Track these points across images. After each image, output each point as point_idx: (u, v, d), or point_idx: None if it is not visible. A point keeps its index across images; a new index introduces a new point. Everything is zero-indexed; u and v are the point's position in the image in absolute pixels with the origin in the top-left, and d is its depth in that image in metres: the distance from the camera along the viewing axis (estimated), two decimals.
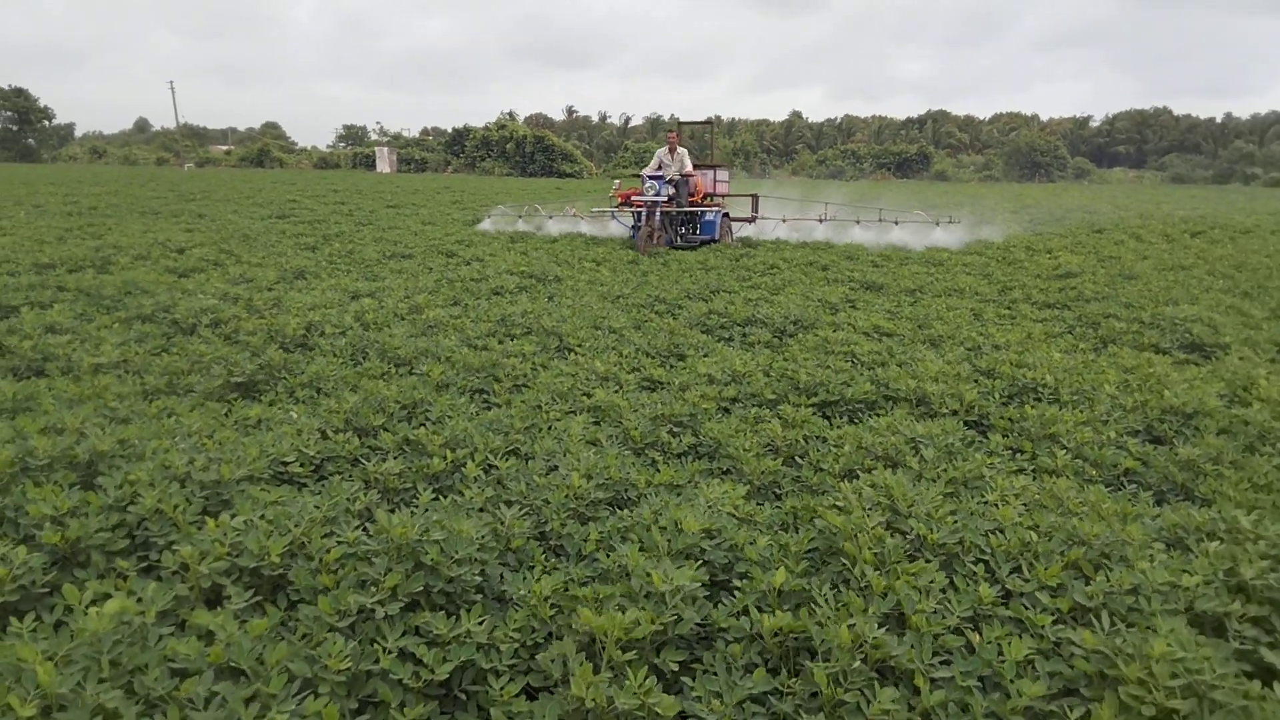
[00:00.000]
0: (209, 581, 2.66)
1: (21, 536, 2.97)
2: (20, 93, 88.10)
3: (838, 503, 3.37)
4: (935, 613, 2.57)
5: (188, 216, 19.50)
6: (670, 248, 15.03)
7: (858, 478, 3.72)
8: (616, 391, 5.23)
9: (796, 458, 4.31)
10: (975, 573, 2.84)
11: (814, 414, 4.85)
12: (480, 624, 2.45)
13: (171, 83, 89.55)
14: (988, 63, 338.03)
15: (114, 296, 8.11)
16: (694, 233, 16.29)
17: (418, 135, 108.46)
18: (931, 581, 2.68)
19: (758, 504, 3.50)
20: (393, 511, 2.95)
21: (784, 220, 17.78)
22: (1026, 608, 2.66)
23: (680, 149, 15.99)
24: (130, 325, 6.87)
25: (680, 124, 20.00)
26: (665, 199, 15.07)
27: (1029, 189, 60.37)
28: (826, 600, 2.61)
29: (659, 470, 3.76)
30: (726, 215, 16.76)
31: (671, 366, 6.15)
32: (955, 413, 5.00)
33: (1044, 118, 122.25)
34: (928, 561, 2.86)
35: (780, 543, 3.02)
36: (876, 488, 3.38)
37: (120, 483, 3.19)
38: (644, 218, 14.97)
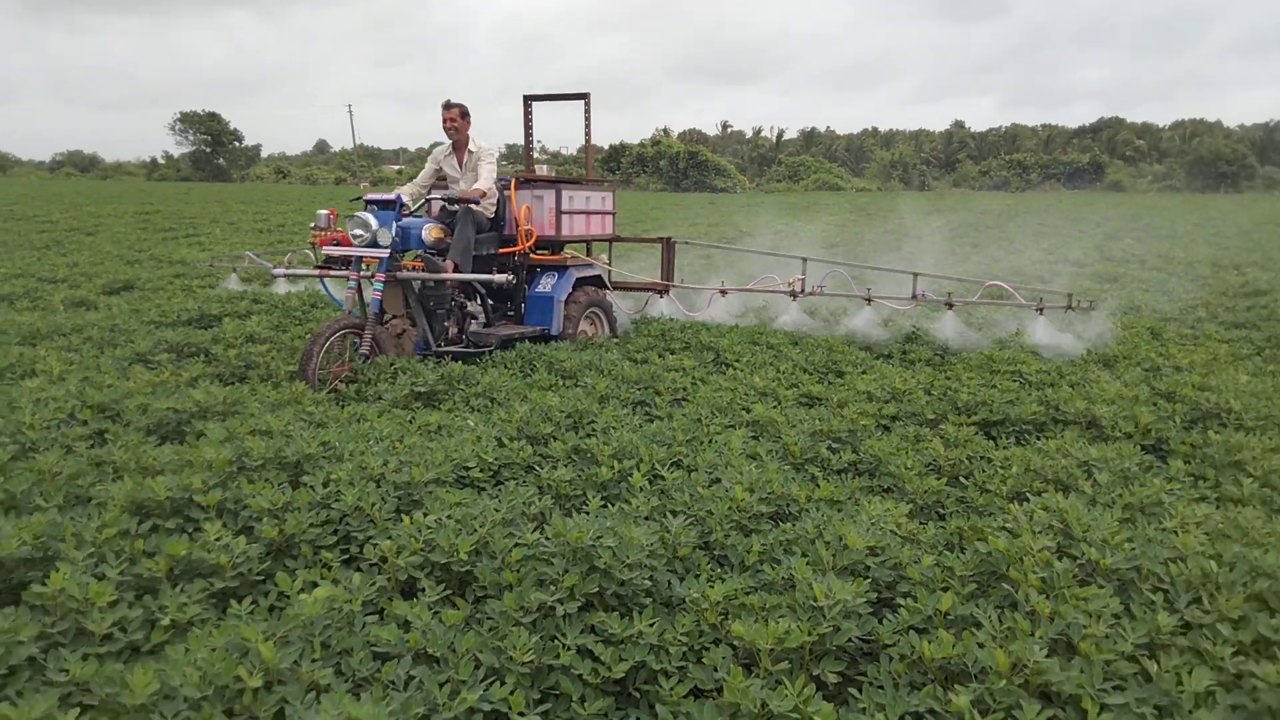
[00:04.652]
0: (404, 574, 2.91)
1: (240, 527, 3.30)
2: (214, 116, 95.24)
3: (1005, 524, 3.33)
4: (1107, 639, 2.52)
5: None
6: (425, 355, 6.52)
7: (1027, 500, 3.66)
8: (775, 407, 5.29)
9: (960, 478, 4.26)
10: (1153, 601, 2.76)
11: (977, 434, 4.77)
12: (651, 626, 2.58)
13: (349, 106, 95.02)
14: (1175, 69, 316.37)
15: (302, 309, 8.75)
16: (500, 315, 7.58)
17: (575, 152, 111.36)
18: (1104, 607, 2.63)
19: (920, 523, 3.50)
20: (568, 516, 3.12)
21: (721, 293, 8.81)
22: (1207, 639, 2.58)
23: (480, 143, 7.34)
24: None
25: (527, 100, 8.64)
26: (404, 249, 6.54)
27: (1213, 200, 56.47)
28: (991, 623, 2.61)
29: (819, 486, 3.80)
30: (595, 282, 8.07)
31: (830, 383, 6.16)
32: (1130, 436, 4.82)
33: (1231, 125, 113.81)
34: (1100, 587, 2.80)
35: (945, 564, 3.02)
36: (1049, 510, 3.33)
37: (324, 480, 3.50)
38: (348, 300, 6.36)
